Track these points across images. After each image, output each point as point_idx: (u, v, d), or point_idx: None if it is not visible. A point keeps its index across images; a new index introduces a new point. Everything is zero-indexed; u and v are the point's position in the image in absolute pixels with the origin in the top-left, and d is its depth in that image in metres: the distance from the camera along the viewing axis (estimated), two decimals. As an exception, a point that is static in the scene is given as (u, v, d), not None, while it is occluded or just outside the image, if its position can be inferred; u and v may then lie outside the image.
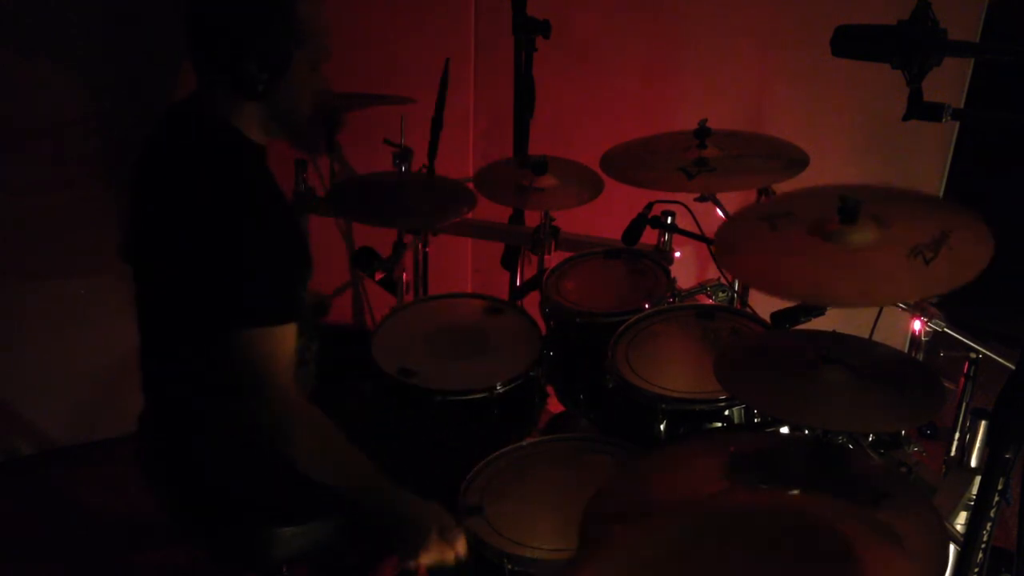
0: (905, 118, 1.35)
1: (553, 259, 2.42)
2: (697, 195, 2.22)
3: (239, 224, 1.52)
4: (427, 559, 1.56)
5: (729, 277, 2.34)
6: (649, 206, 2.27)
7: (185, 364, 1.65)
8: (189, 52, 1.58)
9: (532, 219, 2.59)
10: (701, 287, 2.41)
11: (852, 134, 3.01)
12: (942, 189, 3.09)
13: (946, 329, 1.87)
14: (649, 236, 2.32)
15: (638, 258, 2.34)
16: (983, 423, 1.75)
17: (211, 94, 1.60)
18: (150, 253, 1.66)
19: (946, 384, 1.61)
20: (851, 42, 1.37)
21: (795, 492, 1.34)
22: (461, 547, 1.58)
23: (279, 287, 1.56)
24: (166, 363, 1.72)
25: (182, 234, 1.55)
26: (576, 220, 2.51)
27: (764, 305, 1.96)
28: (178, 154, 1.61)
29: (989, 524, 1.23)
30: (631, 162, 2.18)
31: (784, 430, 1.82)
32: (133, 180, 1.67)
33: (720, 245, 1.60)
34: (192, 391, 1.67)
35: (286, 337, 1.55)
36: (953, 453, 1.89)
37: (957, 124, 2.93)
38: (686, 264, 2.56)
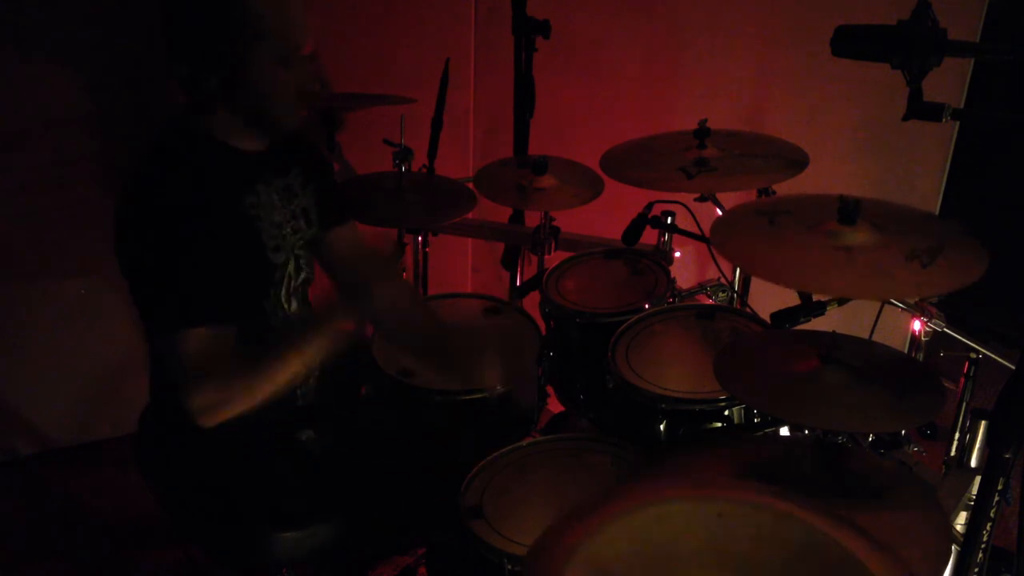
0: (905, 118, 1.36)
1: (553, 259, 2.42)
2: (697, 195, 2.22)
3: (169, 227, 1.52)
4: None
5: (729, 277, 2.35)
6: (649, 206, 2.27)
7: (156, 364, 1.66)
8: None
9: (532, 219, 2.59)
10: (701, 287, 2.41)
11: (852, 134, 3.01)
12: (942, 189, 3.10)
13: (946, 329, 1.87)
14: (649, 236, 2.32)
15: (638, 258, 2.34)
16: (983, 423, 1.75)
17: (192, 105, 1.60)
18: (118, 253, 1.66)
19: (946, 384, 1.61)
20: (851, 42, 1.37)
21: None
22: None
23: (211, 290, 1.54)
24: (153, 362, 1.72)
25: (126, 240, 1.57)
26: (576, 220, 2.51)
27: (764, 305, 1.96)
28: (142, 163, 1.60)
29: (989, 524, 1.23)
30: (631, 162, 2.18)
31: (784, 430, 1.82)
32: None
33: (718, 232, 1.60)
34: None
35: (215, 341, 1.53)
36: (953, 453, 1.89)
37: (957, 124, 2.93)
38: (686, 264, 2.56)
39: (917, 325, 1.92)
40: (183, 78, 1.56)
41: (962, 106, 2.84)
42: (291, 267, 1.76)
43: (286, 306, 1.77)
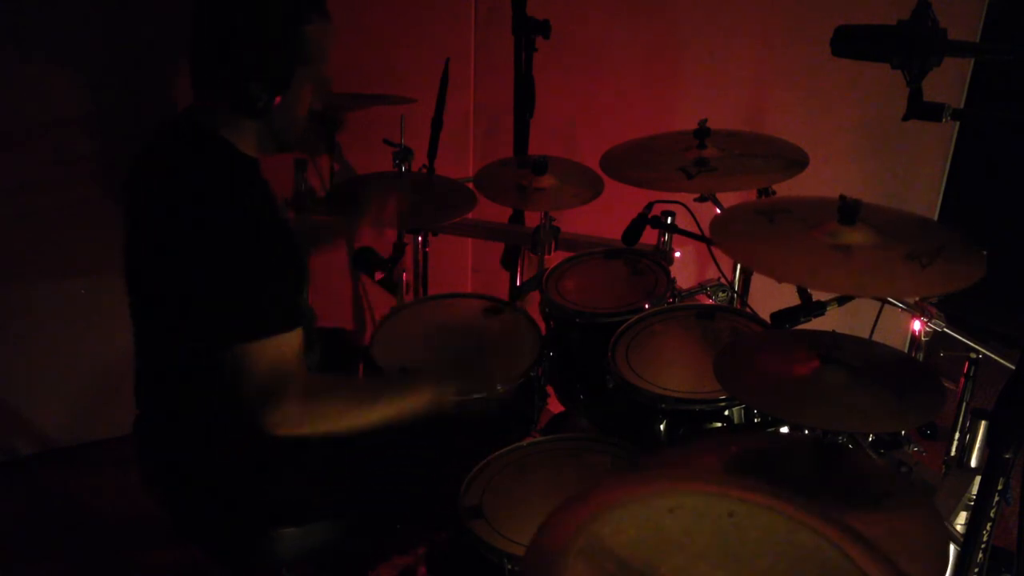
0: (905, 118, 1.36)
1: (553, 259, 2.42)
2: (697, 195, 2.22)
3: (237, 238, 1.51)
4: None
5: (729, 277, 2.35)
6: (649, 206, 2.27)
7: (185, 375, 1.65)
8: (189, 66, 1.58)
9: (532, 219, 2.59)
10: (701, 287, 2.41)
11: (852, 134, 3.01)
12: (942, 189, 3.10)
13: (946, 329, 1.87)
14: (649, 236, 2.32)
15: (638, 258, 2.34)
16: (983, 423, 1.75)
17: (205, 108, 1.60)
18: (145, 267, 1.64)
19: (946, 384, 1.61)
20: (851, 42, 1.37)
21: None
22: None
23: (282, 295, 1.56)
24: (164, 372, 1.71)
25: (178, 250, 1.53)
26: (576, 220, 2.51)
27: (764, 305, 1.96)
28: (173, 170, 1.59)
29: (989, 524, 1.23)
30: (631, 162, 2.18)
31: (784, 430, 1.82)
32: (127, 195, 1.66)
33: (717, 230, 1.60)
34: (190, 400, 1.67)
35: (293, 343, 1.54)
36: (953, 453, 1.89)
37: (957, 124, 2.93)
38: (686, 264, 2.56)
39: (917, 325, 1.92)
40: (233, 97, 1.55)
41: (962, 106, 2.84)
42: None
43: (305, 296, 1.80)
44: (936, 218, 3.08)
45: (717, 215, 1.68)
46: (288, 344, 1.53)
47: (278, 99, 1.55)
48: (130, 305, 1.70)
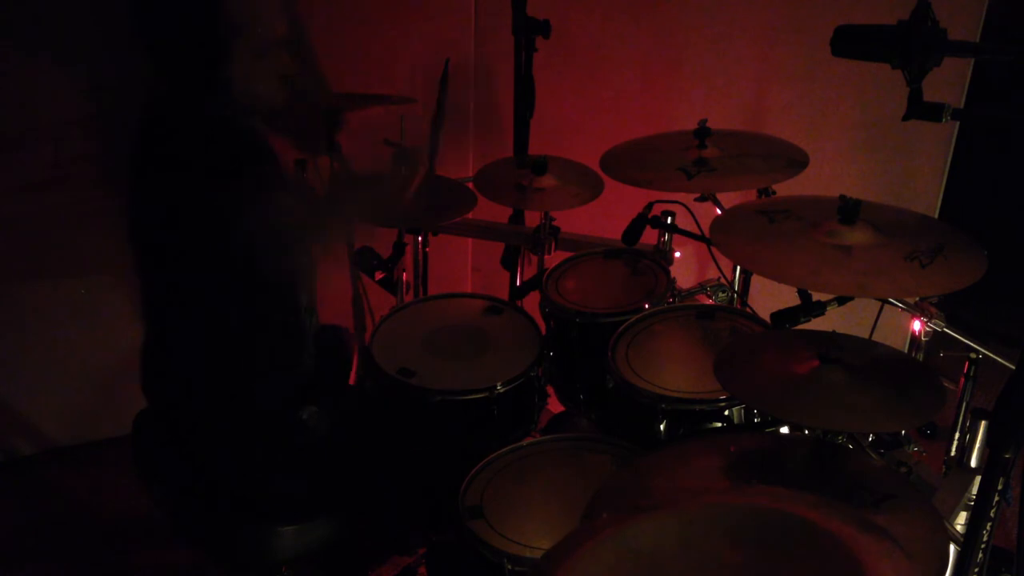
0: (905, 118, 1.35)
1: (553, 259, 2.42)
2: (697, 195, 2.22)
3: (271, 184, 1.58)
4: None
5: (729, 277, 2.35)
6: (649, 206, 2.27)
7: (192, 357, 1.65)
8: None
9: (532, 219, 2.59)
10: (701, 287, 2.41)
11: (852, 134, 3.01)
12: (942, 189, 3.10)
13: (946, 329, 1.87)
14: (649, 236, 2.32)
15: (638, 258, 2.34)
16: (983, 423, 1.75)
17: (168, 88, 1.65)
18: (139, 253, 1.67)
19: (946, 384, 1.61)
20: (851, 42, 1.37)
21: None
22: None
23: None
24: (170, 358, 1.71)
25: (161, 236, 1.59)
26: (576, 220, 2.51)
27: (764, 305, 1.96)
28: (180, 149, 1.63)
29: (989, 524, 1.23)
30: (631, 162, 2.18)
31: (784, 430, 1.82)
32: (133, 175, 1.68)
33: (717, 230, 1.60)
34: (196, 385, 1.67)
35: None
36: (953, 453, 1.89)
37: (957, 124, 2.93)
38: (686, 264, 2.56)
39: (917, 325, 1.92)
40: (171, 78, 1.61)
41: (962, 106, 2.84)
42: None
43: None
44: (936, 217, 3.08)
45: (717, 217, 1.68)
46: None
47: (221, 73, 1.58)
48: (141, 286, 1.72)
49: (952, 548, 1.48)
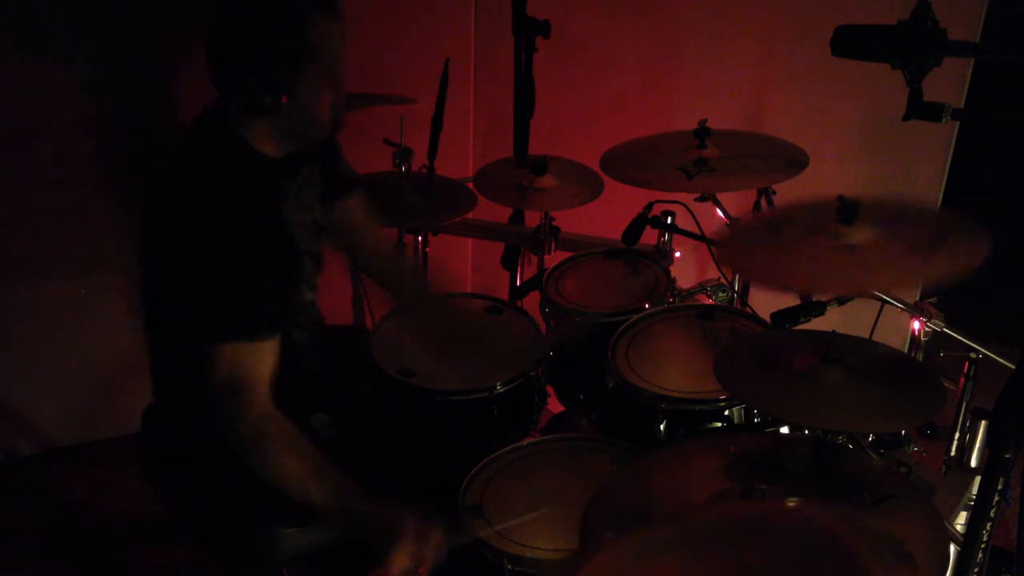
0: (905, 118, 1.36)
1: (553, 259, 2.42)
2: (697, 195, 2.22)
3: (222, 241, 1.52)
4: (397, 567, 1.50)
5: (729, 277, 2.34)
6: (649, 206, 2.27)
7: (184, 365, 1.65)
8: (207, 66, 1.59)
9: (532, 219, 2.59)
10: (701, 287, 2.41)
11: (852, 134, 3.01)
12: (942, 189, 3.09)
13: (946, 329, 1.87)
14: (649, 236, 2.32)
15: (638, 258, 2.34)
16: (983, 423, 1.75)
17: (226, 107, 1.61)
18: (149, 259, 1.67)
19: (946, 384, 1.61)
20: (851, 42, 1.37)
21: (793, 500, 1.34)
22: (430, 554, 1.52)
23: (259, 303, 1.56)
24: (167, 362, 1.72)
25: (172, 245, 1.56)
26: (576, 220, 2.51)
27: (764, 305, 1.96)
28: (181, 167, 1.62)
29: (989, 524, 1.23)
30: (631, 162, 2.18)
31: (784, 430, 1.82)
32: (150, 187, 1.67)
33: (720, 243, 1.61)
34: (190, 391, 1.67)
35: (264, 352, 1.55)
36: (953, 453, 1.89)
37: (957, 124, 2.93)
38: (686, 264, 2.56)
39: (917, 325, 1.92)
40: (240, 96, 1.57)
41: (962, 106, 2.84)
42: (311, 261, 1.78)
43: (307, 297, 1.80)
44: (936, 218, 3.07)
45: (719, 228, 1.68)
46: (248, 354, 1.52)
47: (284, 98, 1.56)
48: (140, 293, 1.72)
49: (952, 548, 1.48)
